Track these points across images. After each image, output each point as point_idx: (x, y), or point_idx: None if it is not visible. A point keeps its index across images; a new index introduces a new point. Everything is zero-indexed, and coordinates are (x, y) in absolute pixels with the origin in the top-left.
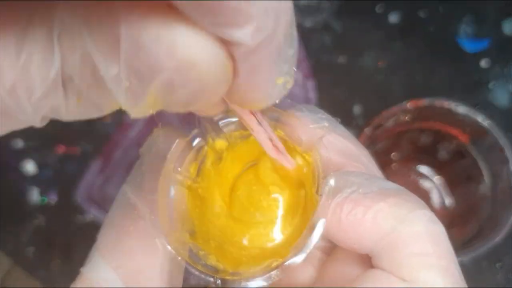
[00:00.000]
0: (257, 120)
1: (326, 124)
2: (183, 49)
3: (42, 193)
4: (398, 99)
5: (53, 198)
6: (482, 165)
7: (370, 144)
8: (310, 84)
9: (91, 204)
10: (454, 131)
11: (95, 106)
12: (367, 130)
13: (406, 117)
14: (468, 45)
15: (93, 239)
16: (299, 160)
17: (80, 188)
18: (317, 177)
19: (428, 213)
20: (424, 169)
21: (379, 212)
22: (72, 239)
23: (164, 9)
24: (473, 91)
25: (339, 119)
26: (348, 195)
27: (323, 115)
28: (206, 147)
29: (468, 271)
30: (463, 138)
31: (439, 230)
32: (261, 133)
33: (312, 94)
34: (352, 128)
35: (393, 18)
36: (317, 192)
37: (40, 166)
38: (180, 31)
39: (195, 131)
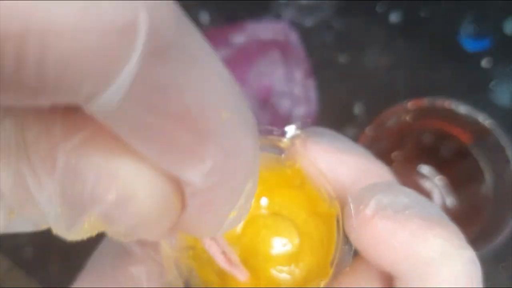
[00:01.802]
0: (215, 243)
1: (295, 133)
2: (123, 183)
3: None
4: (399, 99)
5: None
6: (483, 165)
7: (371, 144)
8: (311, 83)
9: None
10: (455, 131)
11: (29, 222)
12: (368, 130)
13: (407, 117)
14: (470, 45)
15: (91, 239)
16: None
17: None
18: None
19: (470, 254)
20: (425, 169)
21: (424, 240)
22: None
23: (107, 137)
24: (475, 90)
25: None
26: (395, 215)
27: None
28: None
29: None
30: (464, 138)
31: (477, 273)
32: (213, 246)
33: (312, 94)
34: (353, 127)
35: (394, 17)
36: (331, 264)
37: None
38: (123, 163)
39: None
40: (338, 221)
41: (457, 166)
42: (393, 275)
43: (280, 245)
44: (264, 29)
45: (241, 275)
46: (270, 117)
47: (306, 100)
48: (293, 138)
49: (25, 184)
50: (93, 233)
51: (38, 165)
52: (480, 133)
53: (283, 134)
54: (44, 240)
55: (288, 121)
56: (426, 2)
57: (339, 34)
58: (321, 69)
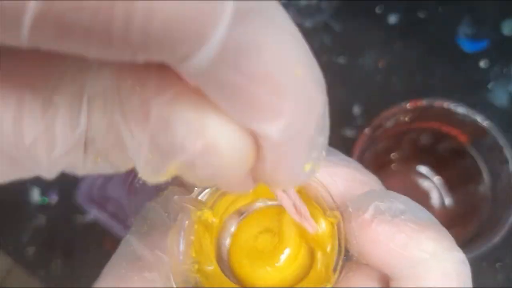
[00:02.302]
0: (288, 196)
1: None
2: (209, 135)
3: (43, 193)
4: (397, 100)
5: (53, 198)
6: (481, 165)
7: (370, 145)
8: None
9: (92, 204)
10: (453, 131)
11: (113, 166)
12: (367, 131)
13: (406, 118)
14: (468, 46)
15: (93, 239)
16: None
17: (81, 188)
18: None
19: (460, 255)
20: (424, 169)
21: (418, 243)
22: (73, 239)
23: (195, 94)
24: (473, 91)
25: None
26: (392, 219)
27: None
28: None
29: None
30: (462, 138)
31: (467, 273)
32: (285, 198)
33: None
34: (352, 128)
35: (393, 18)
36: (334, 270)
37: None
38: (209, 117)
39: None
40: (339, 229)
41: (455, 166)
42: (389, 276)
43: (283, 249)
44: None
45: (311, 227)
46: None
47: None
48: None
49: (116, 131)
50: (172, 176)
51: (131, 115)
52: (478, 133)
53: None
54: (46, 239)
55: None
56: (424, 3)
57: (338, 36)
58: (320, 71)
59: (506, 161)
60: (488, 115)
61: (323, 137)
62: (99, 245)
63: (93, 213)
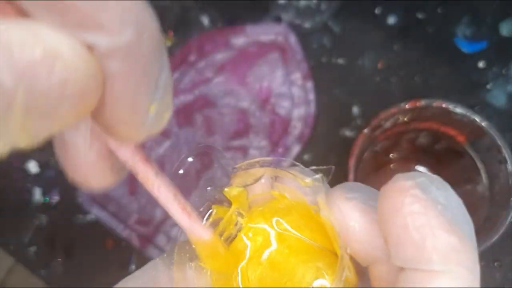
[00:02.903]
0: (154, 171)
1: (318, 176)
2: (48, 41)
3: (45, 193)
4: (396, 100)
5: (55, 198)
6: (480, 165)
7: (369, 145)
8: (309, 85)
9: (93, 204)
10: (452, 132)
11: None
12: (366, 131)
13: (405, 118)
14: (466, 47)
15: (94, 238)
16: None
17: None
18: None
19: (478, 269)
20: (422, 169)
21: (437, 238)
22: (74, 238)
23: (9, 10)
24: (471, 92)
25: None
26: (425, 199)
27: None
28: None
29: None
30: (461, 138)
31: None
32: (161, 187)
33: (311, 95)
34: (351, 128)
35: (392, 19)
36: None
37: (43, 166)
38: (45, 28)
39: (206, 205)
40: (340, 268)
41: (453, 166)
42: (402, 269)
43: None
44: (264, 32)
45: (203, 232)
46: (269, 118)
47: (305, 101)
48: (316, 180)
49: None
50: (34, 130)
51: None
52: (477, 133)
53: (307, 172)
54: (47, 239)
55: (287, 123)
56: (423, 4)
57: (337, 36)
58: (320, 71)
59: (504, 161)
60: (486, 115)
61: (165, 76)
62: (100, 245)
63: (95, 213)
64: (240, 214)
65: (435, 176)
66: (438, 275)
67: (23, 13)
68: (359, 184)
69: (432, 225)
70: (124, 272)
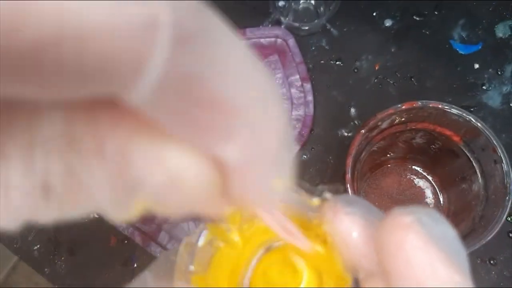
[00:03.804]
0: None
1: (327, 195)
2: (170, 165)
3: None
4: (393, 101)
5: None
6: (475, 164)
7: (366, 145)
8: (308, 87)
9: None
10: (448, 132)
11: (79, 210)
12: (363, 131)
13: (402, 118)
14: (462, 48)
15: (96, 237)
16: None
17: None
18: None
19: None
20: (419, 168)
21: (437, 278)
22: (77, 237)
23: (150, 127)
24: (467, 92)
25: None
26: (426, 235)
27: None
28: (216, 239)
29: None
30: (456, 138)
31: None
32: (269, 219)
33: (310, 96)
34: (349, 129)
35: (389, 22)
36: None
37: None
38: (167, 148)
39: (201, 226)
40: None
41: (449, 165)
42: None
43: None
44: (263, 34)
45: (304, 245)
46: None
47: (304, 102)
48: (323, 200)
49: (76, 174)
50: (142, 211)
51: (87, 155)
52: (472, 133)
53: (315, 191)
54: (51, 237)
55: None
56: (420, 7)
57: (335, 39)
58: (318, 73)
59: (499, 161)
60: (482, 116)
61: (286, 150)
62: (103, 243)
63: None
64: (235, 232)
65: (432, 210)
66: None
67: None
68: (355, 197)
69: (433, 261)
70: (127, 270)
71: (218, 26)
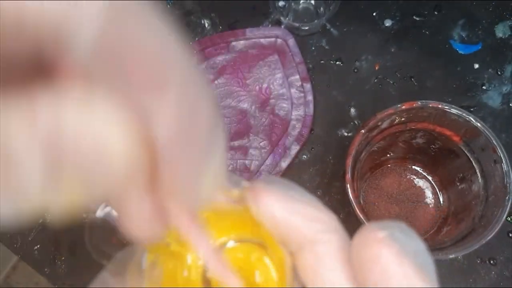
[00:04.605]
0: (197, 231)
1: (245, 183)
2: (100, 133)
3: None
4: (393, 101)
5: None
6: (475, 164)
7: (366, 145)
8: (308, 87)
9: (95, 202)
10: (448, 132)
11: (7, 201)
12: (363, 131)
13: (402, 118)
14: (462, 48)
15: (97, 237)
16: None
17: None
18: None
19: None
20: (419, 168)
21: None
22: (77, 237)
23: (80, 97)
24: (467, 92)
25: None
26: (399, 251)
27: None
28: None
29: (462, 268)
30: (456, 138)
31: None
32: (201, 243)
33: (309, 97)
34: (348, 129)
35: (389, 22)
36: None
37: None
38: (98, 118)
39: (139, 247)
40: (287, 266)
41: (449, 165)
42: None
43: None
44: (263, 35)
45: (235, 283)
46: (269, 119)
47: (304, 102)
48: (244, 189)
49: (8, 150)
50: (74, 201)
51: (18, 126)
52: (472, 133)
53: (235, 184)
54: (51, 236)
55: (286, 123)
56: (420, 7)
57: (335, 39)
58: (318, 73)
59: (499, 161)
60: (482, 115)
61: (219, 147)
62: (104, 242)
63: (97, 212)
64: (175, 244)
65: (403, 225)
66: None
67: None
68: (274, 177)
69: (407, 274)
70: None
71: (150, 12)
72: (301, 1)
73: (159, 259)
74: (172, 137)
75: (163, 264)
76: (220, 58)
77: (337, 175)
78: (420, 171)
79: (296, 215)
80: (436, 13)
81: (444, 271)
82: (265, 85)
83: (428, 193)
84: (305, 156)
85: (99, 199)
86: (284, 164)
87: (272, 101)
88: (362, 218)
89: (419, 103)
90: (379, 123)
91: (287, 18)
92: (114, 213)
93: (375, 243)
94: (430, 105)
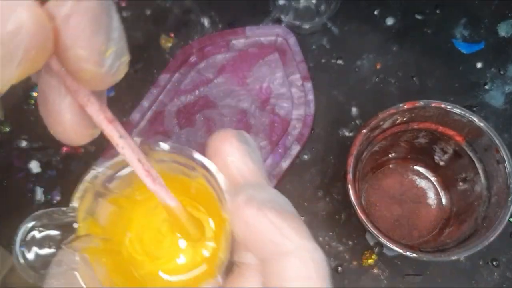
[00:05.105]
0: (118, 133)
1: (166, 147)
2: (18, 14)
3: (46, 192)
4: (395, 100)
5: (56, 198)
6: (478, 165)
7: (367, 145)
8: (309, 86)
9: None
10: (450, 132)
11: None
12: (365, 131)
13: (404, 118)
14: (464, 47)
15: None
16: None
17: None
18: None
19: (314, 244)
20: (421, 168)
21: (279, 228)
22: None
23: None
24: (469, 92)
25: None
26: (258, 205)
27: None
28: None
29: (465, 269)
30: (459, 138)
31: (322, 260)
32: (125, 148)
33: (310, 96)
34: (350, 128)
35: (390, 21)
36: (218, 268)
37: (44, 166)
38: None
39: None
40: (228, 227)
41: (452, 165)
42: (260, 260)
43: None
44: (264, 33)
45: (170, 199)
46: (269, 118)
47: (305, 102)
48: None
49: None
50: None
51: None
52: (475, 133)
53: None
54: None
55: (287, 123)
56: (422, 6)
57: (336, 38)
58: (319, 72)
59: (502, 161)
60: (484, 115)
61: (116, 21)
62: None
63: None
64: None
65: (255, 183)
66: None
67: None
68: (230, 129)
69: (273, 221)
70: None
71: None
72: (302, 0)
73: (92, 258)
74: (68, 13)
75: (99, 261)
76: (219, 57)
77: (338, 175)
78: (423, 171)
79: (247, 163)
80: (438, 11)
81: (447, 272)
82: (265, 84)
83: (430, 194)
84: (305, 156)
85: (19, 74)
86: (284, 164)
87: (272, 100)
88: (364, 219)
89: (421, 102)
90: (381, 123)
91: (287, 17)
92: None
93: (241, 209)
94: (432, 105)
